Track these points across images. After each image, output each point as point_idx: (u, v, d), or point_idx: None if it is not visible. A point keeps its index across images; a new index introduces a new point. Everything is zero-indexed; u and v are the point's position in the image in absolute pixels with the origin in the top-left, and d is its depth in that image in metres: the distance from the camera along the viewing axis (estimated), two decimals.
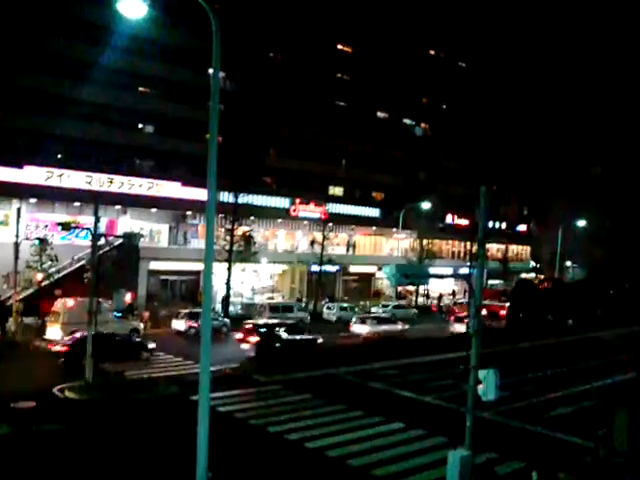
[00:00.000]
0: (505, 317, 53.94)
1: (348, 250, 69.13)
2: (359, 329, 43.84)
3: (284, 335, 34.75)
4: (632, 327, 47.35)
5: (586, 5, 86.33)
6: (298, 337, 35.67)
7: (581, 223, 78.22)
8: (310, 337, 36.69)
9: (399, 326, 45.21)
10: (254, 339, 33.74)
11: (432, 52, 78.24)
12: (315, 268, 57.22)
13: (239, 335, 36.00)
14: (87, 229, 30.34)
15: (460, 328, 45.73)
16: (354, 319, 45.46)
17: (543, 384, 30.23)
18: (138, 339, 34.59)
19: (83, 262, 43.22)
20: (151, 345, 33.15)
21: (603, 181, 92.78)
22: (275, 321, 37.79)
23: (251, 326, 35.51)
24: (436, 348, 37.59)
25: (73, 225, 36.65)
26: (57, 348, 30.97)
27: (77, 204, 48.86)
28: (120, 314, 38.87)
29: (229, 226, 47.97)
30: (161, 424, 20.97)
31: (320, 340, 37.31)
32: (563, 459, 18.48)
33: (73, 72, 48.03)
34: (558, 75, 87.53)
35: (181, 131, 53.77)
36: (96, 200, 30.99)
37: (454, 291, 74.66)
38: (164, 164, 54.44)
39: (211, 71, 11.57)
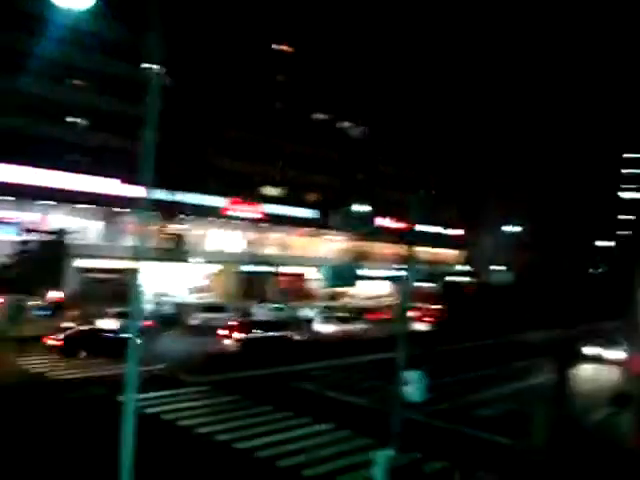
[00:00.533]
0: (433, 319, 55.03)
1: (282, 251, 69.10)
2: (323, 328, 45.28)
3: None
4: (555, 330, 48.83)
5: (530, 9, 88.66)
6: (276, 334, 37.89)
7: (510, 228, 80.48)
8: (286, 334, 38.74)
9: (361, 325, 45.52)
10: (238, 335, 35.80)
11: (370, 53, 78.87)
12: (248, 268, 57.01)
13: (223, 332, 37.36)
14: (14, 224, 29.49)
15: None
16: (317, 318, 47.17)
17: (469, 385, 30.95)
18: None
19: (6, 259, 41.88)
20: None
21: (533, 189, 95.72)
22: (262, 318, 42.48)
23: (236, 323, 37.75)
24: (368, 348, 38.03)
25: None
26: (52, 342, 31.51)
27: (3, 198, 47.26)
28: (47, 312, 37.91)
29: (162, 224, 47.31)
30: (85, 426, 20.52)
31: (297, 337, 39.41)
32: (486, 458, 18.97)
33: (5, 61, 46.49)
34: (490, 82, 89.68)
35: (117, 126, 52.66)
36: (26, 195, 30.14)
37: (384, 294, 75.40)
38: (98, 160, 53.17)
39: (150, 65, 11.42)
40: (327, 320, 46.31)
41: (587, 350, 41.40)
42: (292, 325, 42.15)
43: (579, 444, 19.96)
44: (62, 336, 32.25)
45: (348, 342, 40.69)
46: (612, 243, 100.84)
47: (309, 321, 47.27)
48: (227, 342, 36.75)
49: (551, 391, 27.07)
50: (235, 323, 38.45)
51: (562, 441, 19.79)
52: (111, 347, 31.09)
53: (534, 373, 33.66)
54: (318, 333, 44.74)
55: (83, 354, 32.22)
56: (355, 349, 37.49)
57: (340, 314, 50.32)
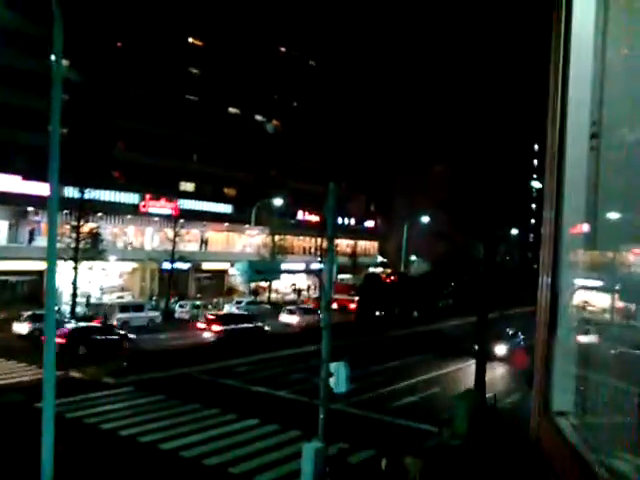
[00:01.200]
0: (355, 310, 55.67)
1: (201, 247, 68.23)
2: (288, 319, 49.93)
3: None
4: (471, 317, 50.23)
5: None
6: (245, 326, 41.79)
7: (425, 219, 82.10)
8: (257, 325, 42.84)
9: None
10: (217, 328, 39.85)
11: (283, 49, 78.92)
12: (166, 266, 56.03)
13: (201, 325, 41.36)
14: None
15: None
16: (283, 310, 51.89)
17: (391, 375, 31.46)
18: None
19: None
20: None
21: (445, 178, 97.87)
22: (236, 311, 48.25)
23: (214, 317, 42.11)
24: (291, 342, 38.14)
25: None
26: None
27: None
28: None
29: (75, 223, 45.78)
30: (3, 432, 19.65)
31: (267, 328, 43.30)
32: (410, 445, 19.30)
33: None
34: (404, 74, 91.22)
35: (20, 121, 50.52)
36: None
37: (299, 288, 75.67)
38: (2, 156, 50.91)
39: (53, 58, 10.94)
40: (291, 312, 51.00)
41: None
42: (258, 318, 45.60)
43: (495, 427, 20.64)
44: None
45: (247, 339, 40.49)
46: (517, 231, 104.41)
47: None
48: (207, 334, 40.31)
49: (471, 378, 27.81)
50: (213, 317, 42.33)
51: (481, 426, 20.39)
52: None
53: (455, 360, 34.60)
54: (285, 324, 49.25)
55: None
56: (253, 346, 37.42)
57: (304, 306, 55.71)
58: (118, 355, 32.34)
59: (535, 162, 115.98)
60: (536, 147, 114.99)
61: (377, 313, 53.96)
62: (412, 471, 14.88)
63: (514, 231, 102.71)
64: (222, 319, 42.08)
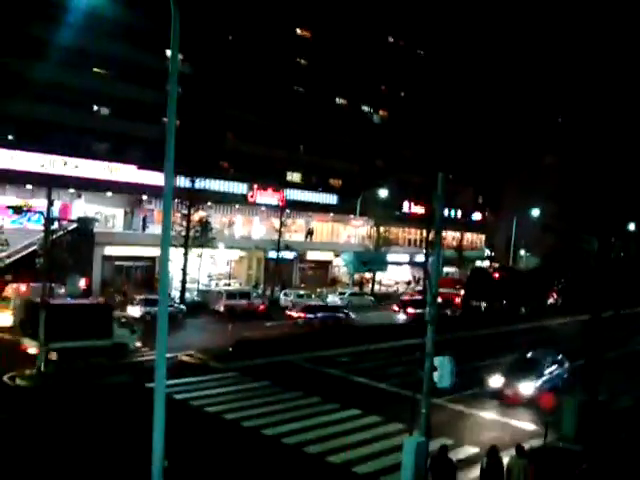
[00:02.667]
0: (460, 305, 54.69)
1: (306, 237, 69.02)
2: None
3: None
4: (582, 315, 48.25)
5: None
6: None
7: (534, 212, 79.54)
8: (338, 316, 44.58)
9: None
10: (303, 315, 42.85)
11: (391, 39, 78.36)
12: (272, 255, 57.05)
13: (294, 313, 43.65)
14: (40, 213, 29.64)
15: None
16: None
17: (496, 371, 30.68)
18: None
19: (35, 247, 42.22)
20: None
21: (555, 170, 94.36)
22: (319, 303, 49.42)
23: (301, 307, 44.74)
24: (393, 335, 37.90)
25: (25, 209, 35.75)
26: None
27: (29, 187, 47.66)
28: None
29: (185, 211, 47.41)
30: (115, 412, 20.64)
31: (353, 316, 45.54)
32: (513, 444, 18.76)
33: (26, 50, 46.61)
34: (513, 64, 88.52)
35: (138, 113, 52.77)
36: (49, 183, 30.27)
37: (410, 281, 75.23)
38: (120, 147, 53.41)
39: (169, 53, 11.28)
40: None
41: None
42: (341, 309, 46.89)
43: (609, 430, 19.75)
44: None
45: (347, 329, 41.63)
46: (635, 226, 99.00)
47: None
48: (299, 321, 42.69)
49: (580, 378, 26.73)
50: (300, 307, 44.69)
51: (592, 428, 19.56)
52: None
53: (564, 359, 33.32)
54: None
55: None
56: (355, 337, 37.47)
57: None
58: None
59: None
60: None
61: (483, 308, 52.84)
62: (515, 472, 14.47)
63: (632, 226, 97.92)
64: (306, 309, 44.24)
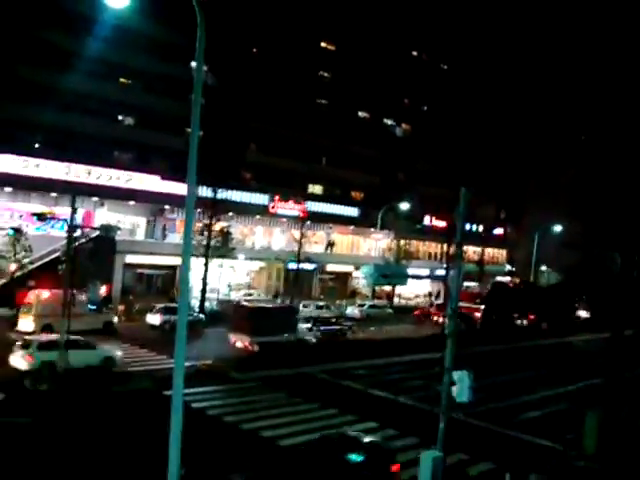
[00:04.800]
0: (480, 319, 54.32)
1: (326, 249, 69.06)
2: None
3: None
4: (603, 333, 47.76)
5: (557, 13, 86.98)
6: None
7: (557, 227, 78.90)
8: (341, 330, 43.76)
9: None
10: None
11: (414, 53, 78.52)
12: (292, 266, 57.14)
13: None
14: (63, 220, 30.01)
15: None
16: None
17: (515, 387, 30.47)
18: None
19: (58, 253, 42.70)
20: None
21: (577, 186, 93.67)
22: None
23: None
24: (412, 348, 37.76)
25: (49, 216, 36.25)
26: None
27: (53, 194, 48.31)
28: (95, 307, 38.55)
29: (207, 221, 47.68)
30: (133, 418, 20.74)
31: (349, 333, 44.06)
32: (533, 461, 18.62)
33: (52, 60, 47.36)
34: (536, 81, 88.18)
35: (161, 124, 53.31)
36: (73, 191, 30.65)
37: (430, 292, 74.95)
38: (144, 157, 54.02)
39: (194, 64, 11.45)
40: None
41: None
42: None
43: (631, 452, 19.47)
44: None
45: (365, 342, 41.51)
46: None
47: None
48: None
49: (601, 395, 26.46)
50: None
51: (614, 446, 19.33)
52: None
53: (585, 376, 32.99)
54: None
55: None
56: (373, 349, 37.42)
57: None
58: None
59: None
60: None
61: (503, 323, 52.47)
62: None
63: None
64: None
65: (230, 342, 34.66)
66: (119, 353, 29.52)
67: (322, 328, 42.26)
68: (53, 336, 28.40)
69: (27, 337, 28.63)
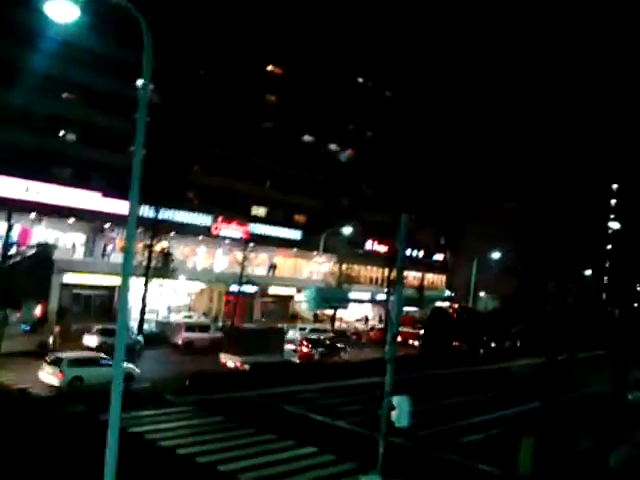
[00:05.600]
0: (419, 344, 54.91)
1: (268, 271, 68.84)
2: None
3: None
4: (539, 358, 48.80)
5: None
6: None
7: (495, 254, 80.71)
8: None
9: None
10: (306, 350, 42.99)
11: (360, 80, 79.69)
12: (234, 288, 56.71)
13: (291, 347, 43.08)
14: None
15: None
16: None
17: (454, 411, 30.79)
18: None
19: None
20: None
21: (515, 215, 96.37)
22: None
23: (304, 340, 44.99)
24: (353, 372, 37.83)
25: None
26: None
27: None
28: (29, 327, 37.45)
29: (148, 241, 46.94)
30: (65, 444, 20.09)
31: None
32: None
33: None
34: (476, 109, 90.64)
35: (104, 141, 52.51)
36: (9, 207, 29.83)
37: (367, 317, 75.29)
38: (85, 174, 52.90)
39: (140, 82, 11.35)
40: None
41: None
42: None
43: (566, 473, 19.87)
44: None
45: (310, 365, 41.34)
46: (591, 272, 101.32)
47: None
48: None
49: (536, 419, 26.98)
50: (303, 340, 44.88)
51: (549, 469, 19.68)
52: None
53: (521, 400, 33.59)
54: None
55: None
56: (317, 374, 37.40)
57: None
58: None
59: (613, 202, 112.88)
60: (615, 186, 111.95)
61: (442, 348, 53.07)
62: None
63: (588, 272, 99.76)
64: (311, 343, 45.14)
65: (220, 362, 36.99)
66: (137, 370, 30.80)
67: (320, 349, 43.44)
68: (80, 353, 31.58)
69: (57, 354, 29.97)
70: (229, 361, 36.73)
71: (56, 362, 28.44)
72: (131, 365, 30.45)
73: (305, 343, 44.22)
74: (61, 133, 53.55)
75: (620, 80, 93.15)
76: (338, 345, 46.24)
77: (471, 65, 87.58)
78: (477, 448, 24.11)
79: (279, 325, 50.67)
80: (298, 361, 41.75)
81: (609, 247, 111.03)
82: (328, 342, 45.93)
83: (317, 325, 61.90)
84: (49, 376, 28.25)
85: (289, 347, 43.02)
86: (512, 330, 64.34)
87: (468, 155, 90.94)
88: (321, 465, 20.55)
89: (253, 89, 65.30)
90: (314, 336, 47.81)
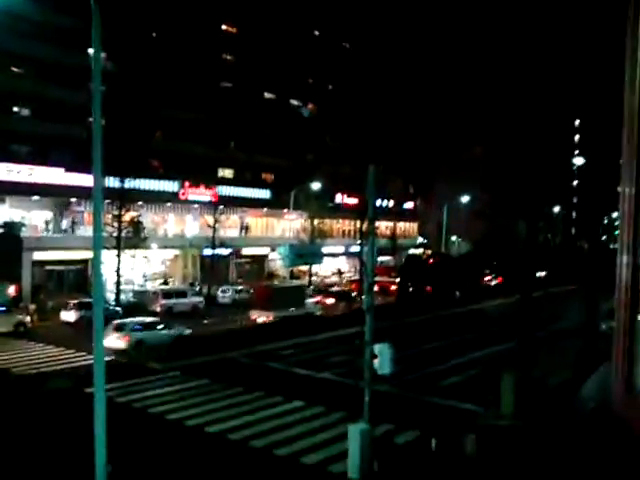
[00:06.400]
0: (395, 292, 55.55)
1: (240, 233, 68.71)
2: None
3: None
4: (513, 297, 49.70)
5: None
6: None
7: (464, 199, 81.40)
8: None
9: None
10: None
11: (317, 32, 78.56)
12: (207, 252, 56.60)
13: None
14: None
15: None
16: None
17: (435, 355, 31.38)
18: None
19: None
20: None
21: (483, 158, 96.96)
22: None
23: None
24: (332, 325, 38.29)
25: None
26: None
27: None
28: (4, 308, 37.13)
29: (116, 212, 46.47)
30: (55, 420, 20.16)
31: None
32: (457, 424, 19.26)
33: None
34: (443, 55, 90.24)
35: (61, 114, 51.34)
36: None
37: (339, 270, 75.72)
38: (44, 149, 51.82)
39: (91, 51, 11.09)
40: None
41: None
42: None
43: (545, 408, 20.43)
44: None
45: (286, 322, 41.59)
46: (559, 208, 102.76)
47: None
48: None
49: (514, 357, 27.60)
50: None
51: (529, 406, 20.21)
52: None
53: (498, 340, 34.31)
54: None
55: None
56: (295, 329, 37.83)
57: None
58: None
59: (576, 138, 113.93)
60: (577, 122, 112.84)
61: (417, 294, 53.78)
62: (469, 448, 14.89)
63: (556, 209, 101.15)
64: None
65: (250, 318, 40.78)
66: (188, 330, 34.72)
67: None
68: (140, 319, 34.27)
69: (117, 321, 32.92)
70: (260, 317, 40.29)
71: (120, 328, 31.60)
72: (180, 328, 34.37)
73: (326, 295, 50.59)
74: (15, 110, 52.18)
75: (578, 15, 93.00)
76: (352, 294, 51.83)
77: (431, 6, 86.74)
78: (460, 389, 24.66)
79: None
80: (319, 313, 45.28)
81: (575, 183, 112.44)
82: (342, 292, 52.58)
83: (294, 282, 62.19)
84: (117, 340, 30.79)
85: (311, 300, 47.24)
86: (488, 271, 65.44)
87: (432, 101, 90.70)
88: (310, 418, 20.88)
89: (209, 49, 64.02)
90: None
